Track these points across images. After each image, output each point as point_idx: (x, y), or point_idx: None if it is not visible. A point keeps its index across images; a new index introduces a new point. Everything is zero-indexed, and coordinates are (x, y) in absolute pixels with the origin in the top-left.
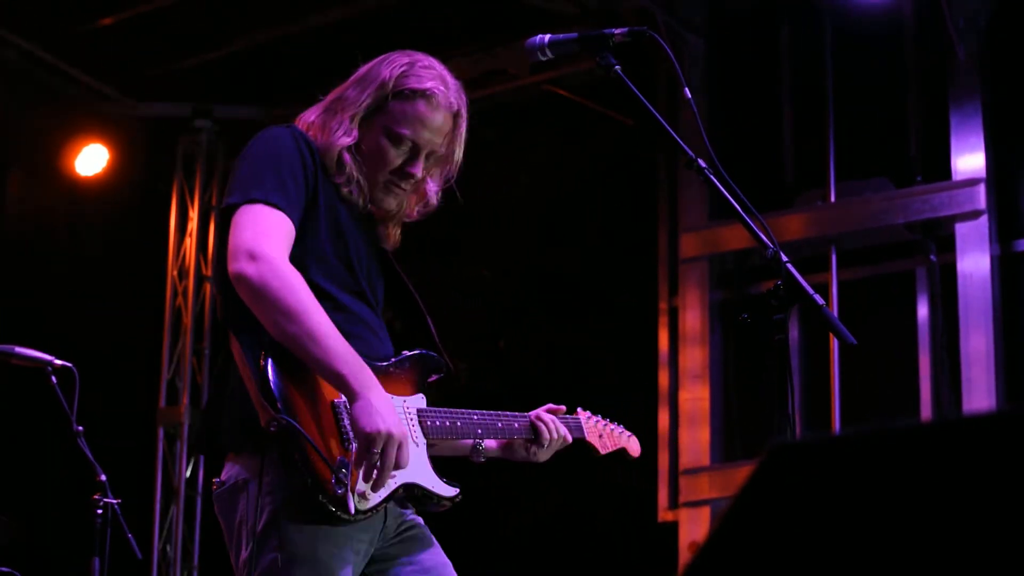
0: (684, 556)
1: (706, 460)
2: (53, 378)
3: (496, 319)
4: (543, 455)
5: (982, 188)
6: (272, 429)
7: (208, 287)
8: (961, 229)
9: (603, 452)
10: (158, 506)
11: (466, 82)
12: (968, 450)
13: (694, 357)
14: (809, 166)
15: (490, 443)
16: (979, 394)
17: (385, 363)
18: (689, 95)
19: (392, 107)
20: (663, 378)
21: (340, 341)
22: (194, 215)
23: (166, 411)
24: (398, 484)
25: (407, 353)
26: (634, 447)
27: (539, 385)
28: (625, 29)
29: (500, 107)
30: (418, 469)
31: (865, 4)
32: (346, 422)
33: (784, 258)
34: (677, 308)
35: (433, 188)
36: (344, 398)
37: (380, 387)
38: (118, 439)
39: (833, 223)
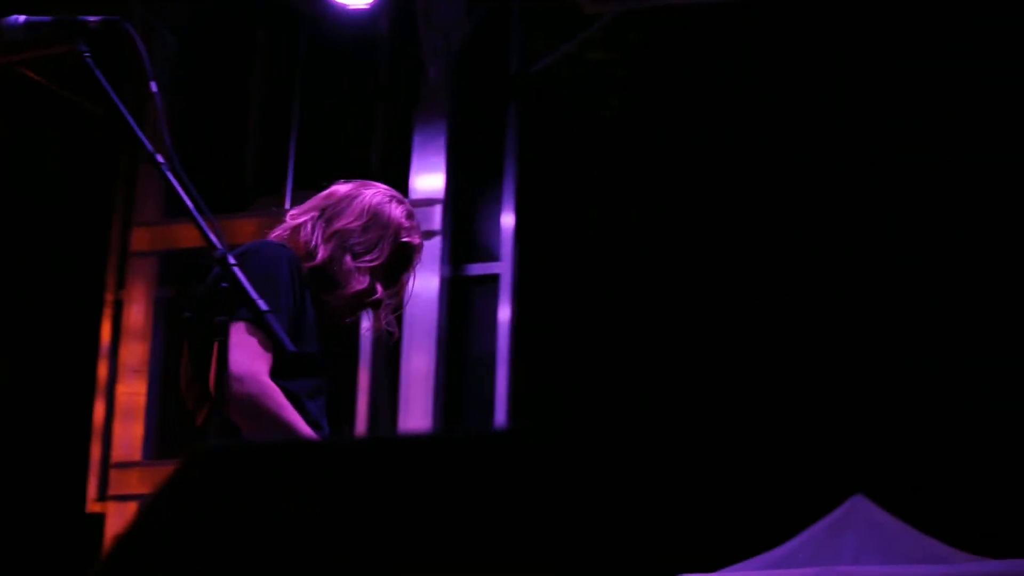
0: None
1: (138, 455)
2: None
3: None
4: None
5: (439, 209)
6: None
7: None
8: None
9: None
10: None
11: None
12: (397, 467)
13: (135, 352)
14: (270, 172)
15: None
16: (416, 414)
17: None
18: (155, 89)
19: (396, 254)
20: (102, 370)
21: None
22: None
23: None
24: None
25: None
26: None
27: None
28: (100, 17)
29: None
30: None
31: (342, 15)
32: None
33: (232, 260)
34: (122, 301)
35: None
36: None
37: None
38: None
39: None
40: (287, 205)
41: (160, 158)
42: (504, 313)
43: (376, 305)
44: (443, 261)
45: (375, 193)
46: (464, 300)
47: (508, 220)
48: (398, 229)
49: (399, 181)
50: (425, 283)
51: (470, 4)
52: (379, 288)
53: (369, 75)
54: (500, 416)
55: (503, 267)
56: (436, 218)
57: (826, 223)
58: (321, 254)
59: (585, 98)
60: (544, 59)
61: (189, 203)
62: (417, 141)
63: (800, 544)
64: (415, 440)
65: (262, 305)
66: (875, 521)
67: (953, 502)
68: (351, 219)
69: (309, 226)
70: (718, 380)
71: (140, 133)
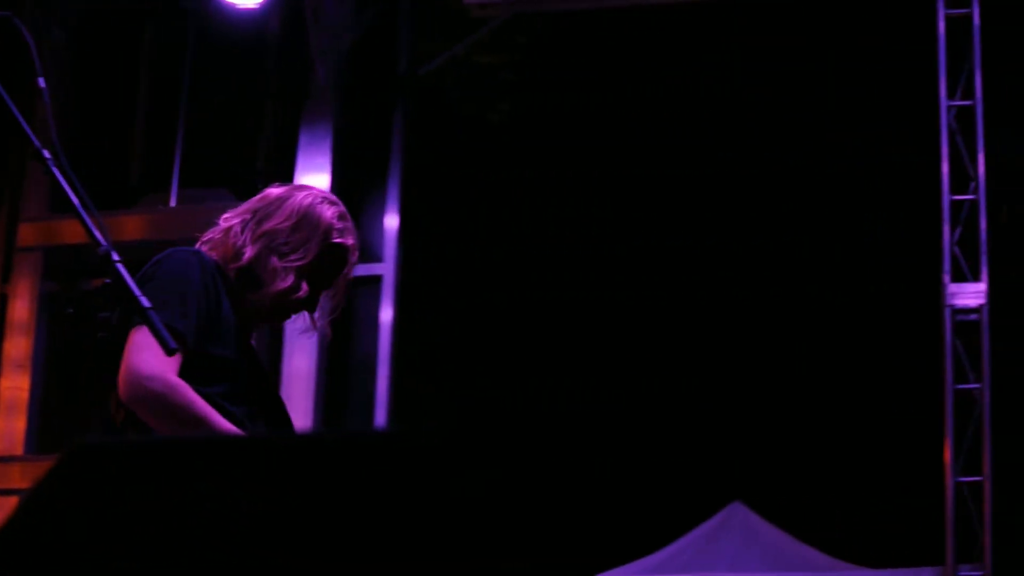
0: None
1: (20, 450)
2: None
3: None
4: None
5: None
6: None
7: None
8: None
9: None
10: None
11: None
12: (279, 466)
13: (19, 346)
14: (156, 170)
15: None
16: (297, 414)
17: None
18: (43, 84)
19: (326, 255)
20: None
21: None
22: None
23: None
24: None
25: None
26: None
27: None
28: None
29: None
30: None
31: (232, 14)
32: None
33: (115, 257)
34: (7, 296)
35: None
36: None
37: None
38: None
39: (172, 228)
40: (173, 203)
41: (47, 154)
42: (386, 314)
43: (306, 305)
44: None
45: (307, 195)
46: (349, 301)
47: (392, 221)
48: (328, 230)
49: (284, 181)
50: None
51: (359, 5)
52: (304, 286)
53: (258, 74)
54: (380, 417)
55: (386, 268)
56: None
57: (721, 224)
58: (248, 254)
59: (473, 101)
60: (433, 61)
61: (75, 199)
62: (303, 141)
63: (678, 549)
64: (299, 440)
65: (144, 302)
66: (753, 528)
67: (831, 511)
68: (281, 220)
69: (239, 228)
70: (601, 381)
71: (27, 128)
